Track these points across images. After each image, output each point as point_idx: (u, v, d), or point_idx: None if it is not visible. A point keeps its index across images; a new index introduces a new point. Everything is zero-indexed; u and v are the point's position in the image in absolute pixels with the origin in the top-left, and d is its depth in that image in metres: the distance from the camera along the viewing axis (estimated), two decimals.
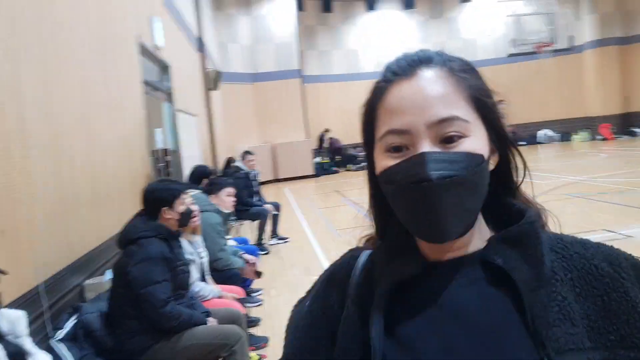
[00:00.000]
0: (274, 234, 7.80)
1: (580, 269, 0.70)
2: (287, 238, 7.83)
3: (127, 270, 2.81)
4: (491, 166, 0.74)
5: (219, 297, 3.58)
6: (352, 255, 0.86)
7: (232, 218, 7.39)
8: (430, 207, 0.67)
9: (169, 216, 3.05)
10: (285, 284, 5.71)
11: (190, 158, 7.99)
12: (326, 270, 0.87)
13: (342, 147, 20.01)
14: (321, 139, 20.19)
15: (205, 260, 3.86)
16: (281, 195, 13.47)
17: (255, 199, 7.64)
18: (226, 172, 8.55)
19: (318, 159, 19.16)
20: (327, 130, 20.15)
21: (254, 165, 7.77)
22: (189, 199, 3.37)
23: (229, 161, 9.78)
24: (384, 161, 0.72)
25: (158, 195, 3.07)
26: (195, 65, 11.20)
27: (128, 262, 2.83)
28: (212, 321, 3.07)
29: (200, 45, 11.89)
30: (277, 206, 7.73)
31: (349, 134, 21.50)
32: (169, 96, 7.65)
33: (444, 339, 0.68)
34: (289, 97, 18.59)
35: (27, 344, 1.95)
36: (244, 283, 4.63)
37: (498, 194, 0.78)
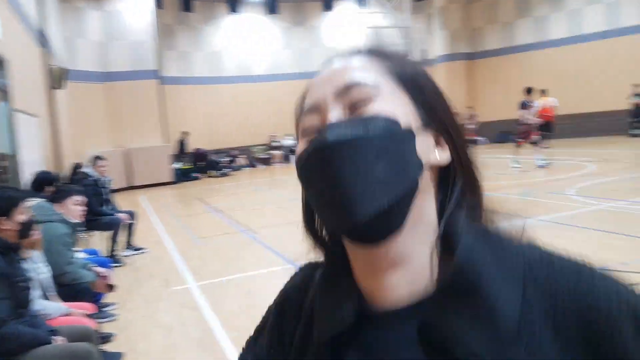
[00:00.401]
0: (129, 245, 7.35)
1: (567, 309, 0.53)
2: (143, 248, 7.42)
3: None
4: (438, 158, 0.62)
5: (67, 315, 3.26)
6: (305, 274, 0.75)
7: (81, 228, 6.83)
8: (331, 178, 0.55)
9: (7, 227, 2.73)
10: (142, 297, 5.40)
11: (31, 163, 7.25)
12: (279, 294, 0.78)
13: (206, 153, 19.55)
14: (181, 144, 19.52)
15: (46, 276, 3.50)
16: (137, 203, 12.77)
17: (106, 207, 7.13)
18: (73, 179, 7.89)
19: (178, 165, 18.51)
20: (185, 133, 19.53)
21: (104, 171, 7.24)
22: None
23: (76, 167, 9.04)
24: (299, 148, 0.63)
25: None
26: (37, 61, 10.21)
27: None
28: (59, 340, 2.79)
29: (43, 39, 10.87)
30: (132, 215, 7.29)
31: (213, 138, 21.13)
32: (4, 94, 6.86)
33: None
34: (145, 99, 17.72)
35: None
36: (95, 297, 4.29)
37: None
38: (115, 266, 6.07)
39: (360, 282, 0.63)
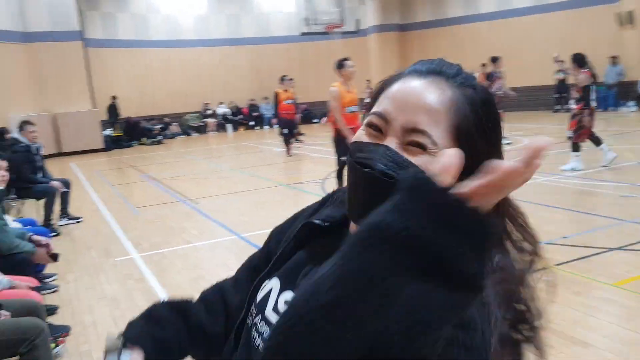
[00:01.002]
0: (64, 214, 7.03)
1: None
2: (79, 218, 7.13)
3: None
4: None
5: (11, 288, 3.10)
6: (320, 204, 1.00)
7: (11, 196, 6.46)
8: (353, 185, 0.73)
9: None
10: (82, 268, 5.21)
11: None
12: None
13: (138, 121, 18.81)
14: (111, 109, 18.66)
15: None
16: (68, 170, 12.19)
17: (39, 175, 6.76)
18: (0, 145, 7.42)
19: (108, 132, 17.75)
20: (114, 98, 18.70)
21: (35, 137, 6.84)
22: None
23: (2, 132, 8.49)
24: (360, 132, 0.76)
25: None
26: None
27: None
28: (4, 314, 2.67)
29: None
30: (66, 183, 6.96)
31: (143, 104, 20.32)
32: None
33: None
34: (69, 62, 16.72)
35: None
36: (35, 269, 4.09)
37: None
38: (52, 236, 5.80)
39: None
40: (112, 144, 17.38)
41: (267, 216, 6.53)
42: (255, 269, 0.98)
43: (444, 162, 0.54)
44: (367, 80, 16.24)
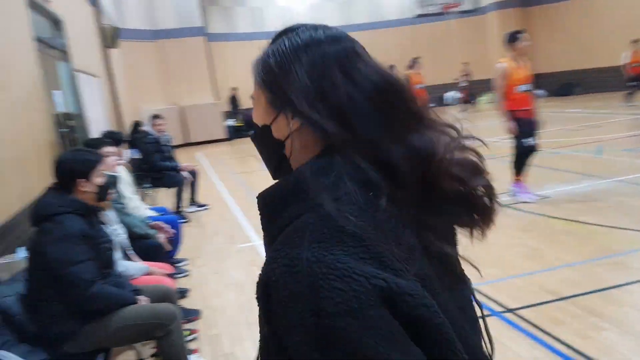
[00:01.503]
0: (193, 202, 7.43)
1: None
2: (206, 205, 7.49)
3: (43, 250, 2.48)
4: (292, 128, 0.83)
5: (147, 274, 3.28)
6: None
7: (146, 185, 6.93)
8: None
9: (86, 189, 2.69)
10: (210, 253, 5.44)
11: (96, 122, 7.35)
12: None
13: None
14: (233, 100, 19.47)
15: (123, 237, 3.52)
16: (194, 160, 12.94)
17: (169, 164, 7.19)
18: (134, 138, 7.98)
19: (231, 122, 18.59)
20: (235, 89, 19.52)
21: (163, 129, 7.27)
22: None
23: (136, 125, 9.14)
24: None
25: (72, 166, 2.68)
26: (89, 20, 10.23)
27: (44, 240, 2.50)
28: (143, 300, 2.80)
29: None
30: (193, 173, 7.33)
31: None
32: (64, 54, 6.90)
33: None
34: (193, 57, 17.71)
35: None
36: (168, 255, 4.32)
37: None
38: (182, 222, 6.14)
39: None
40: (234, 133, 18.16)
41: None
42: None
43: None
44: (464, 63, 15.40)
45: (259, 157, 0.96)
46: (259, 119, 0.88)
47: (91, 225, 2.70)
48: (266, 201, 0.83)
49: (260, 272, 0.72)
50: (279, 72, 0.82)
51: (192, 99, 17.42)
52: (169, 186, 7.03)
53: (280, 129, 0.83)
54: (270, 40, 0.89)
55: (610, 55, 18.14)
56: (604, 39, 18.69)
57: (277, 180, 0.85)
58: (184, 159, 11.40)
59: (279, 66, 0.82)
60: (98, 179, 2.77)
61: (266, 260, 0.72)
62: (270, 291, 0.69)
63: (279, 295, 0.67)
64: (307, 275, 0.65)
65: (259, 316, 0.74)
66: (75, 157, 2.77)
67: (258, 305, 0.72)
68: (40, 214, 2.57)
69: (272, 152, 0.88)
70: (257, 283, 0.72)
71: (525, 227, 5.08)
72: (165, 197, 7.28)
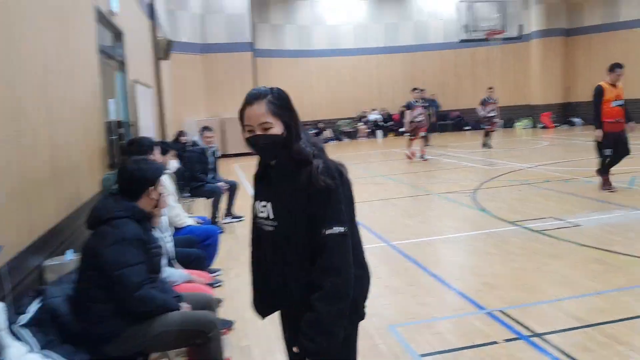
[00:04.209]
0: (229, 213, 7.65)
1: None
2: (241, 217, 7.70)
3: (99, 252, 2.65)
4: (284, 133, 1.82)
5: (189, 282, 3.46)
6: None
7: (185, 195, 7.20)
8: (260, 152, 1.90)
9: (153, 196, 2.90)
10: (243, 264, 5.58)
11: (145, 129, 7.68)
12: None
13: None
14: None
15: (171, 244, 3.72)
16: (231, 171, 13.24)
17: (212, 175, 7.45)
18: (178, 147, 8.28)
19: None
20: None
21: (212, 141, 7.55)
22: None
23: (179, 134, 9.47)
24: (245, 134, 1.86)
25: (144, 174, 2.90)
26: (147, 33, 10.71)
27: (100, 243, 2.67)
28: (185, 307, 2.96)
29: (152, 12, 11.36)
30: (233, 185, 7.57)
31: (300, 111, 20.92)
32: (121, 65, 7.27)
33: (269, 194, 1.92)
34: (239, 71, 18.17)
35: (5, 337, 1.80)
36: (206, 265, 4.51)
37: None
38: (219, 233, 6.34)
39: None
40: None
41: (416, 225, 6.47)
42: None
43: None
44: (489, 88, 15.15)
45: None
46: (278, 131, 1.81)
47: (145, 231, 2.89)
48: (300, 151, 1.83)
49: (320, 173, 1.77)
50: (288, 107, 1.85)
51: (233, 112, 17.73)
52: (207, 196, 7.26)
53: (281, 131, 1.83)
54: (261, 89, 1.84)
55: None
56: None
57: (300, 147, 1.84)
58: (222, 170, 11.70)
59: (287, 104, 1.86)
60: (160, 187, 2.98)
61: (321, 166, 1.79)
62: (335, 174, 1.81)
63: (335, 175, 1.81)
64: (335, 166, 1.84)
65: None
66: (146, 166, 2.98)
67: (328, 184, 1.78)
68: (99, 217, 2.75)
69: (276, 148, 1.83)
70: (325, 169, 1.78)
71: (557, 254, 5.11)
72: (202, 207, 7.52)
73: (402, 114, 21.50)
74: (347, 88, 22.21)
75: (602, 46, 20.46)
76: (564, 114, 21.62)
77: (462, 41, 17.48)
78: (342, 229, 1.75)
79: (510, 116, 22.15)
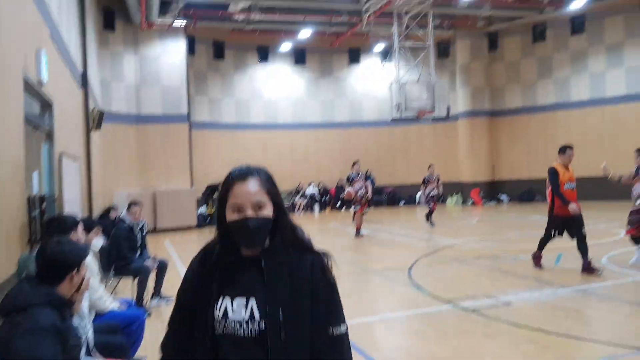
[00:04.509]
0: (157, 293, 7.23)
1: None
2: (171, 297, 7.29)
3: (9, 344, 2.37)
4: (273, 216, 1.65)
5: None
6: (200, 260, 1.71)
7: (110, 274, 6.78)
8: (250, 237, 1.61)
9: (76, 281, 2.66)
10: None
11: (70, 204, 7.29)
12: (200, 253, 1.74)
13: None
14: (210, 187, 19.51)
15: (91, 333, 3.42)
16: (162, 247, 12.74)
17: (137, 253, 7.08)
18: (105, 224, 7.89)
19: (202, 209, 18.55)
20: (211, 177, 19.67)
21: (138, 217, 7.23)
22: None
23: (109, 209, 9.09)
24: (231, 215, 1.61)
25: (65, 258, 2.66)
26: (78, 103, 10.46)
27: (11, 333, 2.40)
28: None
29: (84, 82, 11.17)
30: (163, 264, 7.19)
31: None
32: (49, 136, 6.98)
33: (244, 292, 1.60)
34: (175, 143, 18.00)
35: None
36: (130, 354, 4.16)
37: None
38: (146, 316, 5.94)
39: (243, 250, 1.65)
40: (203, 220, 18.06)
41: (352, 306, 6.36)
42: (182, 320, 1.67)
43: None
44: (429, 167, 15.62)
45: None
46: (269, 212, 1.63)
47: (63, 319, 2.63)
48: (296, 236, 1.72)
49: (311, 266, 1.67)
50: (276, 186, 1.70)
51: (167, 184, 17.47)
52: (133, 276, 6.86)
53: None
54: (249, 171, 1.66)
55: None
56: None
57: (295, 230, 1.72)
58: (151, 246, 11.23)
59: (275, 183, 1.70)
60: (83, 271, 2.75)
61: (312, 258, 1.69)
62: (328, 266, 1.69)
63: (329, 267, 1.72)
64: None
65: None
66: (68, 248, 2.74)
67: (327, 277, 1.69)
68: (12, 305, 2.49)
69: (267, 232, 1.64)
70: (317, 265, 1.68)
71: (491, 333, 5.11)
72: (129, 287, 7.10)
73: (338, 188, 21.93)
74: (285, 162, 22.44)
75: (522, 127, 22.11)
76: (492, 191, 22.73)
77: (394, 120, 18.32)
78: (346, 327, 1.66)
79: (441, 191, 22.97)
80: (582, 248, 7.40)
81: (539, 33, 21.69)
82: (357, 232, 12.95)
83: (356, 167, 13.15)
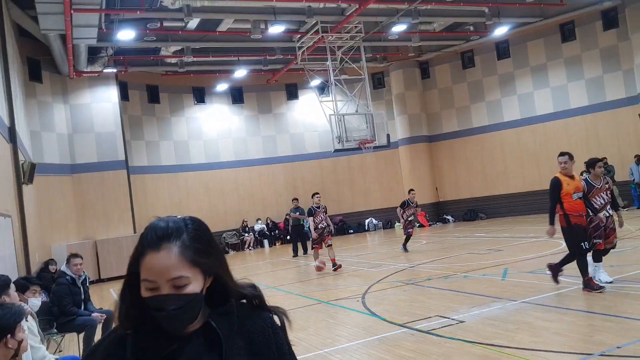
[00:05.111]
0: None
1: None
2: None
3: None
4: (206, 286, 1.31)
5: None
6: (111, 344, 1.32)
7: (52, 331, 6.42)
8: (168, 320, 1.24)
9: (11, 345, 2.49)
10: None
11: (3, 263, 6.88)
12: (98, 346, 1.36)
13: None
14: None
15: None
16: (107, 296, 12.21)
17: (82, 307, 6.74)
18: (42, 277, 7.51)
19: None
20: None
21: (80, 269, 6.92)
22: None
23: (48, 263, 8.66)
24: (145, 291, 1.24)
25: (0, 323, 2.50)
26: (7, 157, 10.00)
27: None
28: None
29: (12, 136, 10.72)
30: (110, 315, 6.88)
31: None
32: None
33: None
34: (113, 189, 17.49)
35: None
36: None
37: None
38: None
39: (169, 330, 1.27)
40: None
41: (308, 338, 6.27)
42: None
43: None
44: (410, 191, 15.72)
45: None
46: (197, 287, 1.27)
47: None
48: (246, 297, 1.42)
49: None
50: (212, 246, 1.35)
51: (108, 233, 16.87)
52: (78, 331, 6.53)
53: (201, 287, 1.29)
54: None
55: (505, 184, 20.89)
56: (499, 170, 21.75)
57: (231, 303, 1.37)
58: (96, 297, 10.74)
59: (210, 242, 1.36)
60: (19, 334, 2.58)
61: (264, 320, 1.39)
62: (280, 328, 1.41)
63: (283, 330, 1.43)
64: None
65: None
66: (1, 312, 2.58)
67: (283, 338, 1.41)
68: None
69: (194, 312, 1.29)
70: (271, 327, 1.39)
71: (446, 353, 5.15)
72: (75, 342, 6.73)
73: (287, 221, 21.77)
74: (230, 199, 22.19)
75: (461, 149, 22.93)
76: (437, 212, 23.27)
77: (336, 151, 18.59)
78: None
79: (389, 217, 23.33)
80: (580, 265, 7.02)
81: (467, 60, 22.71)
82: (333, 265, 12.09)
83: (316, 198, 12.69)
